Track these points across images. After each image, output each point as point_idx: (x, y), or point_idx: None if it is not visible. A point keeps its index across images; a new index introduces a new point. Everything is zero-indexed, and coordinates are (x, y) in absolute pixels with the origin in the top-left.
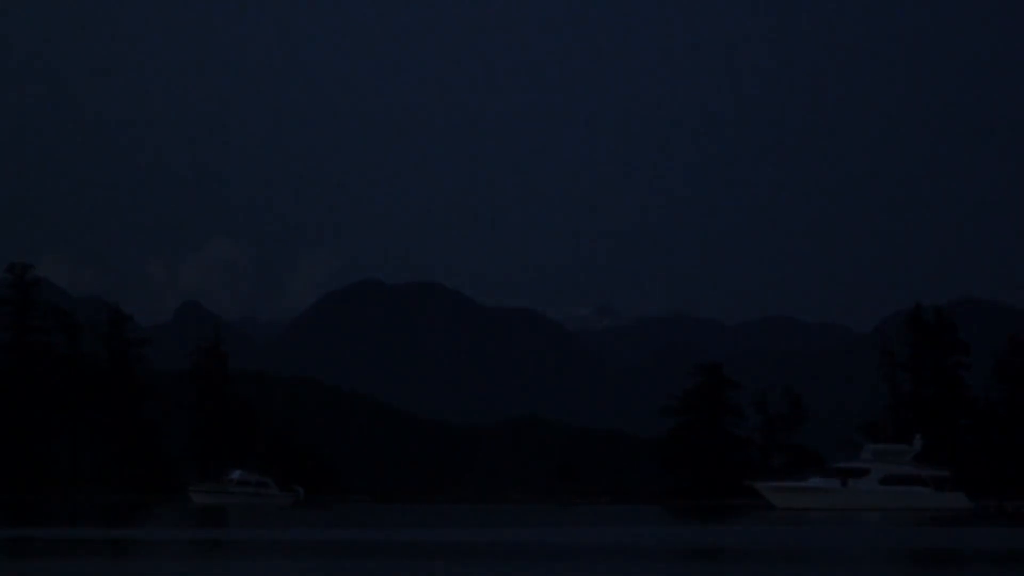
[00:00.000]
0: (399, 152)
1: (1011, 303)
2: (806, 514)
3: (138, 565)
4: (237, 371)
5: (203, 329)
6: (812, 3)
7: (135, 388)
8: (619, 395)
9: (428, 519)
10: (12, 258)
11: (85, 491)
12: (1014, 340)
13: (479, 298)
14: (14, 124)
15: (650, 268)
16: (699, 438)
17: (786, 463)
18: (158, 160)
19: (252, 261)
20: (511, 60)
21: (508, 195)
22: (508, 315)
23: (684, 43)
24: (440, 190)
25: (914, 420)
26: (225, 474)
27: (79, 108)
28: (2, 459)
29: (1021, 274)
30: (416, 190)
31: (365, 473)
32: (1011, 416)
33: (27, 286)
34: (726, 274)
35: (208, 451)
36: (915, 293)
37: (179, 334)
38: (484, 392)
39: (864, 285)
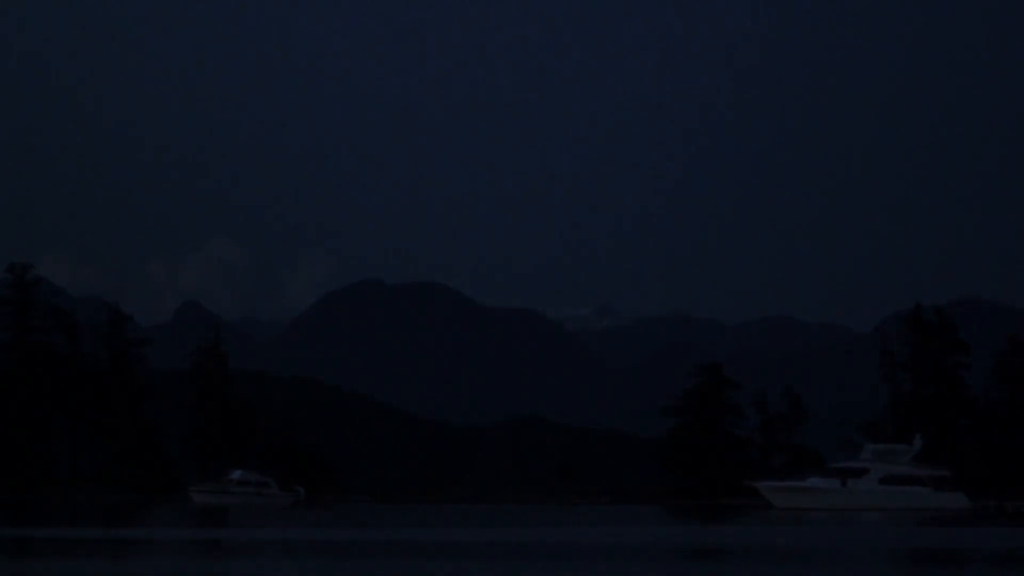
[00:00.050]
0: (399, 152)
1: (1011, 303)
2: (806, 514)
3: (138, 565)
4: (237, 371)
5: (203, 329)
6: (812, 3)
7: (135, 388)
8: (619, 395)
9: (428, 519)
10: (12, 258)
11: (85, 491)
12: (1014, 340)
13: (479, 298)
14: (14, 124)
15: (650, 268)
16: (699, 438)
17: (786, 463)
18: (158, 160)
19: (252, 261)
20: (511, 60)
21: (508, 195)
22: (508, 315)
23: (684, 43)
24: (440, 190)
25: (914, 420)
26: (226, 474)
27: (79, 108)
28: (2, 459)
29: (1021, 274)
30: (416, 190)
31: (365, 473)
32: (1011, 416)
33: (27, 286)
34: (726, 274)
35: (208, 451)
36: (915, 293)
37: (179, 334)
38: (484, 392)
39: (864, 285)
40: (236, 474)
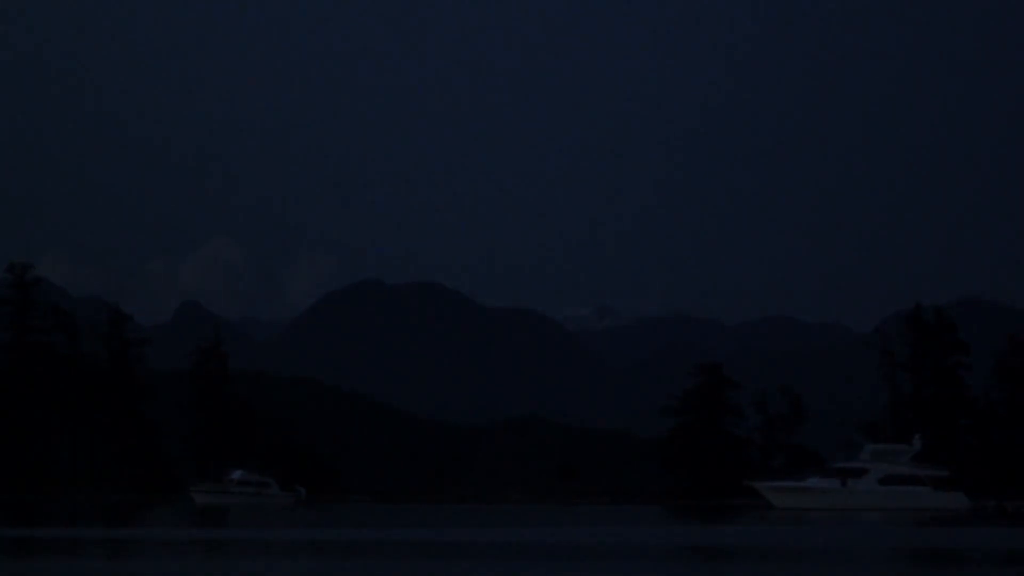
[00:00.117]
0: (399, 152)
1: (1011, 303)
2: (806, 514)
3: (138, 565)
4: (237, 371)
5: (203, 329)
6: (812, 3)
7: (135, 388)
8: (619, 395)
9: (428, 519)
10: (12, 258)
11: (85, 491)
12: (1014, 340)
13: (479, 298)
14: (14, 123)
15: (650, 268)
16: (699, 438)
17: (786, 463)
18: (158, 160)
19: (252, 261)
20: (511, 60)
21: (508, 195)
22: (508, 315)
23: (684, 43)
24: (440, 190)
25: (914, 420)
26: (226, 474)
27: (79, 108)
28: (2, 459)
29: (1021, 274)
30: (416, 190)
31: (365, 473)
32: (1011, 416)
33: (27, 286)
34: (726, 274)
35: (208, 451)
36: (915, 293)
37: (179, 334)
38: (484, 392)
39: (864, 285)
40: (237, 474)
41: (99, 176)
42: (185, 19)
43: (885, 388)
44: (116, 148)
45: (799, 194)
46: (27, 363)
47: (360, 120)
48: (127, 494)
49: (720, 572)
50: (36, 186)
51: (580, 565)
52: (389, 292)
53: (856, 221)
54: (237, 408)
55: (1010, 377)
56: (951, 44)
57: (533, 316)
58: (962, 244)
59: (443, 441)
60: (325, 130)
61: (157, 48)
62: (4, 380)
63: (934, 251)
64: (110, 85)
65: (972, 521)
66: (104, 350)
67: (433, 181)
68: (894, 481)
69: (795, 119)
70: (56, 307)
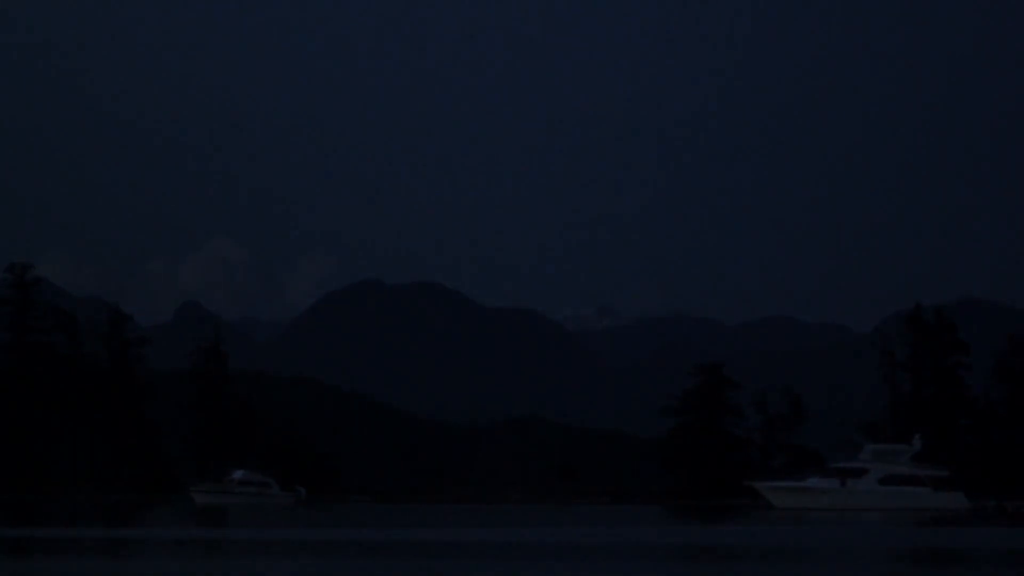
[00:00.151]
0: (399, 152)
1: (1011, 303)
2: (806, 514)
3: (138, 565)
4: (237, 371)
5: (203, 329)
6: (812, 3)
7: (135, 388)
8: (619, 395)
9: (428, 519)
10: (12, 258)
11: (85, 491)
12: (1014, 340)
13: (479, 298)
14: (14, 123)
15: (650, 268)
16: (699, 438)
17: (786, 463)
18: (158, 160)
19: (252, 261)
20: (511, 60)
21: (508, 195)
22: (508, 315)
23: (684, 42)
24: (440, 190)
25: (914, 420)
26: (227, 474)
27: (79, 107)
28: (2, 459)
29: (1021, 274)
30: (416, 190)
31: (365, 473)
32: (1011, 416)
33: (27, 286)
34: (726, 274)
35: (208, 451)
36: (915, 293)
37: (179, 334)
38: (484, 392)
39: (864, 285)
40: (238, 474)
41: (99, 176)
42: (185, 19)
43: (885, 388)
44: (116, 148)
45: (799, 194)
46: (27, 363)
47: (360, 120)
48: (127, 494)
49: (720, 572)
50: (36, 186)
51: (580, 565)
52: (389, 292)
53: (856, 221)
54: (237, 408)
55: (1010, 377)
56: (950, 44)
57: (533, 316)
58: (962, 244)
59: (443, 441)
60: (325, 130)
61: (157, 48)
62: (4, 380)
63: (934, 251)
64: (110, 85)
65: (972, 521)
66: (104, 350)
67: (433, 181)
68: (894, 481)
69: (794, 119)
70: (56, 307)
